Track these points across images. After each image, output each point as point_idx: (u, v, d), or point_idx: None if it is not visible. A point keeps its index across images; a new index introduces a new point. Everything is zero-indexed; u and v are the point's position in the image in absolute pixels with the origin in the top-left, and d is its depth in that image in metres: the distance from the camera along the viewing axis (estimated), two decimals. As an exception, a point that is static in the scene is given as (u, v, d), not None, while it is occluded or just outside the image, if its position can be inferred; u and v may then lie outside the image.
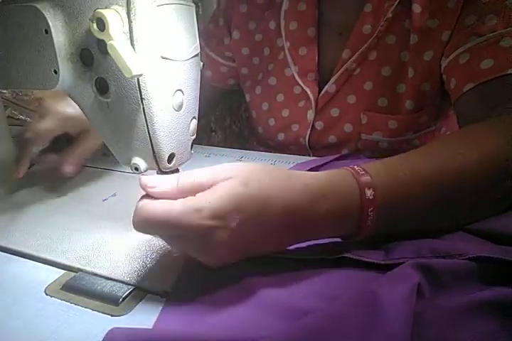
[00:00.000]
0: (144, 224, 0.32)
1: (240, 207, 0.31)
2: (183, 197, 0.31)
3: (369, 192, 0.34)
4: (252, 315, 0.31)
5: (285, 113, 0.72)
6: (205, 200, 0.30)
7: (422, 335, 0.28)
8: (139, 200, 0.32)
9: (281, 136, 0.74)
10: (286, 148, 0.76)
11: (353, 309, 0.28)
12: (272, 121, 0.74)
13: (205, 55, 0.80)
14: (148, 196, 0.33)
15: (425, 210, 0.37)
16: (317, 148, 0.72)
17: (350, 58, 0.64)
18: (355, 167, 0.36)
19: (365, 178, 0.34)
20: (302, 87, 0.69)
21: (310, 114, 0.70)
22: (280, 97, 0.72)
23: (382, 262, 0.34)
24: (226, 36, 0.77)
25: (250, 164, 0.34)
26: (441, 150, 0.40)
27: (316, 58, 0.67)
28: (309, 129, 0.70)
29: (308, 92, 0.68)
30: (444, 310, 0.29)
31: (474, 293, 0.30)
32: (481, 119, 0.48)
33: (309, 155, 0.74)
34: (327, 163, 0.56)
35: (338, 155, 0.58)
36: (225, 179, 0.32)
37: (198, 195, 0.31)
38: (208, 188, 0.31)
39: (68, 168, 0.53)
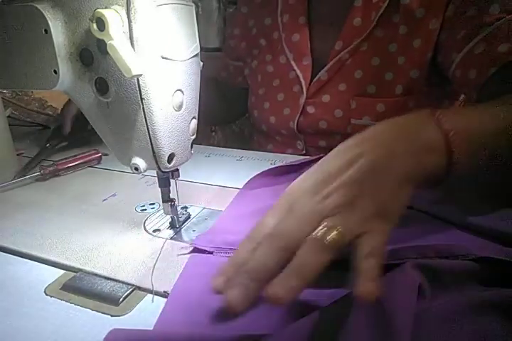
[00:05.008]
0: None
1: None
2: None
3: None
4: (253, 315, 0.31)
5: (280, 97, 0.77)
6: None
7: (422, 335, 0.28)
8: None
9: (272, 120, 0.78)
10: (278, 132, 0.79)
11: (352, 308, 0.28)
12: (266, 105, 0.79)
13: (221, 58, 0.91)
14: None
15: (498, 148, 0.35)
16: (308, 133, 0.75)
17: (342, 49, 0.68)
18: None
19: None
20: (296, 72, 0.73)
21: (301, 99, 0.73)
22: (276, 82, 0.77)
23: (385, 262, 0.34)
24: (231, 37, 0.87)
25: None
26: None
27: (309, 43, 0.72)
28: (299, 113, 0.73)
29: (300, 77, 0.72)
30: (444, 310, 0.29)
31: (474, 293, 0.30)
32: None
33: (300, 141, 0.77)
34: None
35: (325, 154, 0.58)
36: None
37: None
38: None
39: None
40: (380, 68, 0.67)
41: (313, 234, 0.28)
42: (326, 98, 0.71)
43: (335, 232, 0.27)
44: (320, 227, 0.28)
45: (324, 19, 0.71)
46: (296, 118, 0.74)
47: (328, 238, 0.27)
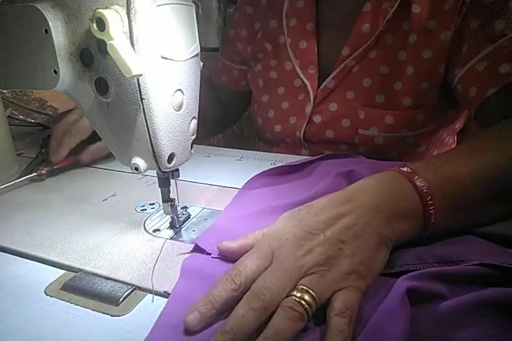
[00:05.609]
0: None
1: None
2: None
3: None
4: None
5: (285, 105, 0.75)
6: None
7: (422, 335, 0.28)
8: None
9: (278, 128, 0.76)
10: (282, 141, 0.77)
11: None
12: (271, 113, 0.77)
13: (221, 62, 0.88)
14: None
15: (476, 197, 0.37)
16: (314, 142, 0.73)
17: (349, 55, 0.66)
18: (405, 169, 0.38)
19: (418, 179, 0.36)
20: (302, 80, 0.71)
21: (308, 107, 0.71)
22: (281, 90, 0.75)
23: (384, 271, 0.34)
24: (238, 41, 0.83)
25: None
26: (473, 146, 0.42)
27: (316, 51, 0.70)
28: (306, 122, 0.72)
29: (308, 85, 0.70)
30: (444, 310, 0.29)
31: (474, 293, 0.30)
32: None
33: (305, 149, 0.75)
34: (320, 160, 0.56)
35: (325, 154, 0.58)
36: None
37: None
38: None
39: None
40: (389, 77, 0.65)
41: (288, 300, 0.29)
42: (333, 106, 0.69)
43: (309, 297, 0.29)
44: (295, 292, 0.29)
45: (333, 25, 0.69)
46: (303, 127, 0.72)
47: (303, 302, 0.29)
